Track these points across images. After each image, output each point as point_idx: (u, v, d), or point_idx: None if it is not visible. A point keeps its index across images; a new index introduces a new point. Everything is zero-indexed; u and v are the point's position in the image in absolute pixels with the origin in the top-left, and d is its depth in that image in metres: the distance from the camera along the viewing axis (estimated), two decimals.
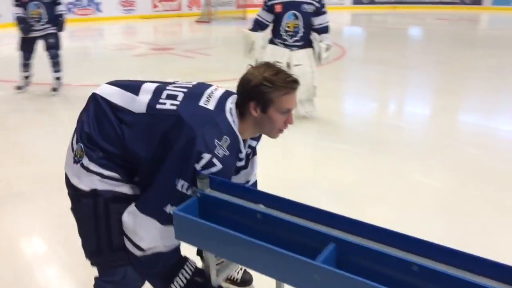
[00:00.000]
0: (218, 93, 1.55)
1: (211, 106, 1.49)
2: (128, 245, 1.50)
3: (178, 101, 1.49)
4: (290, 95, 1.50)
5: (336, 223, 1.23)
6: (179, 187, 1.41)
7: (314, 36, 4.43)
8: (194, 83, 1.62)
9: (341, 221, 1.23)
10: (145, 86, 1.57)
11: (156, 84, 1.59)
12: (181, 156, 1.40)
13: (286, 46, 4.40)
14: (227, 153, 1.45)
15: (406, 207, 2.91)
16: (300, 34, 4.36)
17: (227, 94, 1.57)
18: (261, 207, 1.37)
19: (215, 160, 1.41)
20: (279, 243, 1.19)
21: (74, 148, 1.54)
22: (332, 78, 6.43)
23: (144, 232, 1.46)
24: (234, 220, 1.36)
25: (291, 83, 1.50)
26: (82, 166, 1.50)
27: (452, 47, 10.45)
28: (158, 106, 1.49)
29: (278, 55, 4.30)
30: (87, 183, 1.50)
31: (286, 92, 1.49)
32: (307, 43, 4.43)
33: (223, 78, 4.97)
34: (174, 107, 1.47)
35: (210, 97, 1.52)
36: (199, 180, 1.41)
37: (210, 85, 1.61)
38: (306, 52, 4.43)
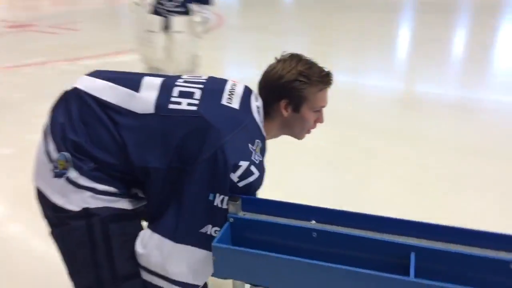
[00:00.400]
0: (239, 90, 1.34)
1: (235, 105, 1.28)
2: (157, 281, 1.23)
3: (197, 99, 1.25)
4: (325, 91, 1.38)
5: (405, 229, 1.11)
6: (217, 202, 1.18)
7: (193, 5, 4.30)
8: (205, 77, 1.39)
9: (411, 226, 1.11)
10: (146, 80, 1.31)
11: (161, 78, 1.33)
12: (213, 166, 1.16)
13: (165, 11, 4.25)
14: (261, 158, 1.26)
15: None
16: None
17: (248, 91, 1.37)
18: (314, 224, 1.18)
19: (253, 168, 1.20)
20: (342, 262, 1.03)
21: (53, 158, 1.21)
22: (213, 48, 6.33)
23: (180, 264, 1.20)
24: (282, 245, 1.16)
25: (327, 78, 1.36)
26: (69, 180, 1.20)
27: (325, 11, 10.92)
28: (171, 106, 1.24)
29: (156, 21, 4.20)
30: (76, 201, 1.20)
31: (322, 88, 1.36)
32: (187, 11, 4.31)
33: (95, 54, 4.59)
34: (194, 107, 1.23)
35: (232, 94, 1.31)
36: (230, 204, 1.18)
37: (226, 80, 1.38)
38: (186, 19, 4.32)
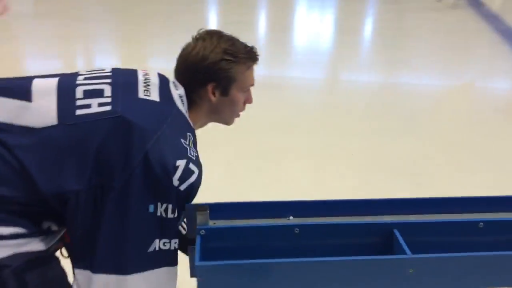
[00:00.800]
0: (154, 79, 1.18)
1: (155, 97, 1.12)
2: None
3: (108, 97, 1.07)
4: (252, 68, 1.25)
5: (384, 208, 1.16)
6: (160, 212, 1.01)
7: None
8: (108, 69, 1.19)
9: (390, 204, 1.16)
10: (37, 84, 1.08)
11: (55, 79, 1.11)
12: (147, 173, 0.99)
13: None
14: (197, 153, 1.12)
15: None
16: None
17: (165, 79, 1.21)
18: (293, 220, 1.15)
19: (192, 166, 1.06)
20: (327, 252, 1.06)
21: None
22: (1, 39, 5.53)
23: None
24: (265, 247, 1.10)
25: (254, 53, 1.23)
26: None
27: None
28: (79, 111, 1.03)
29: None
30: None
31: (250, 66, 1.23)
32: None
33: None
34: (108, 107, 1.04)
35: (148, 85, 1.14)
36: (198, 214, 1.07)
37: (135, 70, 1.20)
38: None
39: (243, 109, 1.30)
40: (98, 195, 0.99)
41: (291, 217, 1.16)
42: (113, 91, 1.09)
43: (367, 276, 1.04)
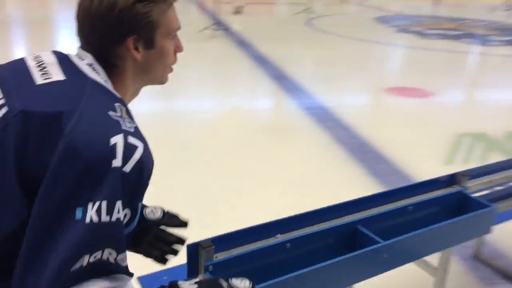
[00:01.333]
0: (49, 58, 0.94)
1: (58, 76, 0.88)
2: None
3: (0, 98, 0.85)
4: (173, 7, 1.00)
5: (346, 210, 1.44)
6: (90, 216, 0.76)
7: None
8: None
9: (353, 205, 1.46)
10: None
11: None
12: (73, 165, 0.76)
13: None
14: (135, 123, 0.89)
15: None
16: None
17: (62, 54, 0.97)
18: (282, 236, 1.31)
19: (131, 139, 0.82)
20: (314, 258, 1.19)
21: None
22: None
23: None
24: (263, 267, 1.22)
25: None
26: None
27: None
28: None
29: None
30: None
31: (170, 4, 0.98)
32: None
33: None
34: (4, 110, 0.82)
35: (44, 67, 0.91)
36: (204, 251, 1.08)
37: (20, 58, 0.96)
38: None
39: (175, 60, 1.06)
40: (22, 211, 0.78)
41: (278, 235, 1.32)
42: (3, 90, 0.87)
43: (353, 270, 1.27)
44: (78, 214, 0.77)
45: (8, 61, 0.99)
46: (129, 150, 0.81)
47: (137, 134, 0.86)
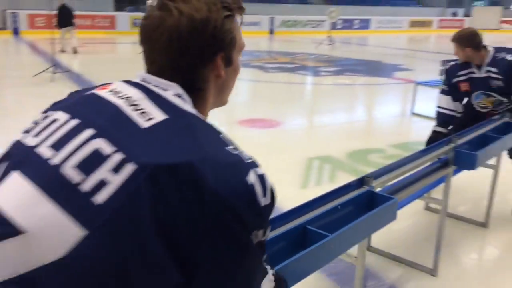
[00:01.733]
0: (134, 92, 0.79)
1: (158, 115, 0.75)
2: None
3: (113, 152, 0.69)
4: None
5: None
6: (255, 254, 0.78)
7: None
8: (53, 115, 0.78)
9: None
10: (4, 202, 0.68)
11: (17, 178, 0.70)
12: (222, 219, 0.70)
13: None
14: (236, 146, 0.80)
15: None
16: None
17: (142, 86, 0.81)
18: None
19: (258, 170, 0.76)
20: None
21: None
22: None
23: None
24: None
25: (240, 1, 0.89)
26: None
27: None
28: (98, 198, 0.66)
29: None
30: None
31: (239, 19, 0.89)
32: None
33: None
34: (129, 167, 0.68)
35: (136, 104, 0.76)
36: None
37: (92, 95, 0.81)
38: None
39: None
40: None
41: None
42: (110, 140, 0.71)
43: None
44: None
45: None
46: (262, 182, 0.76)
47: (253, 159, 0.79)
